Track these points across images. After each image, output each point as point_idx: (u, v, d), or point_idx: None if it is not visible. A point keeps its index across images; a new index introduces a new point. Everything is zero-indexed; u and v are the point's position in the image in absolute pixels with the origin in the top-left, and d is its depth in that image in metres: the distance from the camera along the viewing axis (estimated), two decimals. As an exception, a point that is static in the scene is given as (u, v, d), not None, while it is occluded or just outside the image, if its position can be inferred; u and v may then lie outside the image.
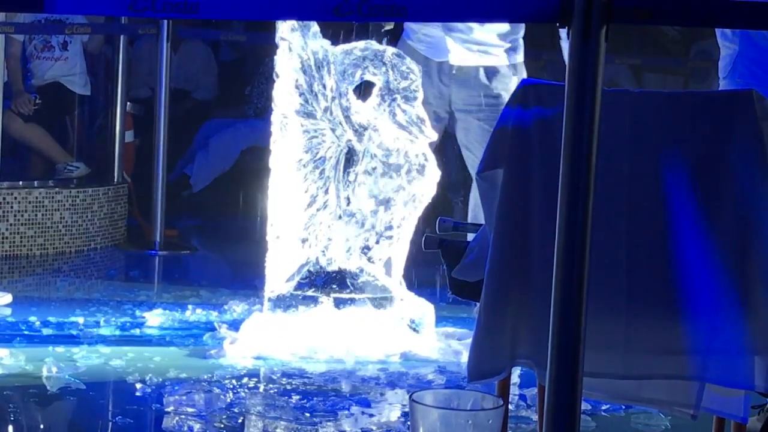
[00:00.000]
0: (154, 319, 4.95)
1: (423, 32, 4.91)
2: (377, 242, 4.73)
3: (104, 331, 4.77)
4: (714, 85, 8.55)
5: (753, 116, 2.42)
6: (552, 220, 2.05)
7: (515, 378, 4.02)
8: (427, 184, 4.68)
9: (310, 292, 4.67)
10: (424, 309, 4.72)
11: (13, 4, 2.99)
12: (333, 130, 4.69)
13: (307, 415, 3.75)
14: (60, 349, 4.43)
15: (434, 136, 4.69)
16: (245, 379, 4.12)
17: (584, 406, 3.64)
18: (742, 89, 2.57)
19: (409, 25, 4.97)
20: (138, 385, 3.99)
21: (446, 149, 7.05)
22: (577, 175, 2.01)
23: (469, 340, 2.62)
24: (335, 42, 4.76)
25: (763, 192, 2.41)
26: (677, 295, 2.44)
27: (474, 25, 4.84)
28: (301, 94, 4.68)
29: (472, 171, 4.82)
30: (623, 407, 3.82)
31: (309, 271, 4.72)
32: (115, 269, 6.54)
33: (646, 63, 9.00)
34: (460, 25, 4.84)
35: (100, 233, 6.75)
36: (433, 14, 2.29)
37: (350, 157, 4.71)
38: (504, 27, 4.88)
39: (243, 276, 5.88)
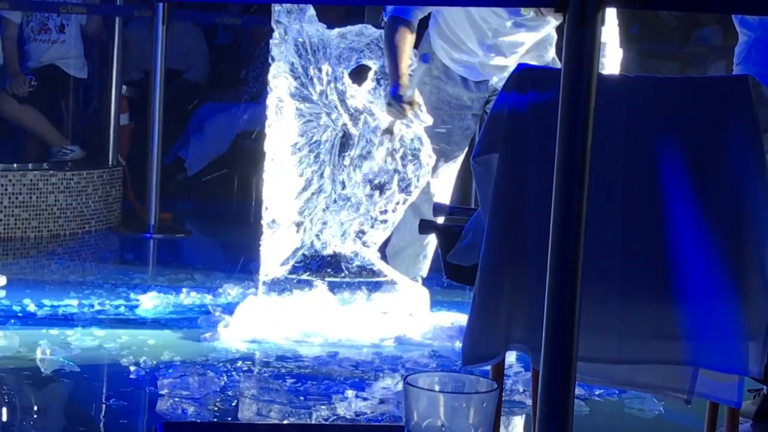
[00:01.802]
0: (149, 302, 4.95)
1: (456, 55, 4.76)
2: (372, 227, 4.73)
3: (99, 313, 4.78)
4: (711, 71, 8.55)
5: (749, 102, 2.42)
6: (547, 204, 2.05)
7: (510, 362, 4.02)
8: (422, 168, 4.68)
9: (304, 276, 4.67)
10: (418, 293, 4.72)
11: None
12: (328, 114, 4.69)
13: (301, 398, 3.75)
14: (54, 331, 4.43)
15: (429, 121, 4.67)
16: (239, 363, 4.13)
17: (578, 390, 3.65)
18: (738, 74, 2.57)
19: (443, 47, 4.79)
20: (132, 368, 3.99)
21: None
22: (572, 160, 2.01)
23: (464, 325, 2.62)
24: (331, 26, 4.75)
25: (758, 178, 2.41)
26: (672, 280, 2.45)
27: (515, 44, 4.70)
28: (296, 78, 4.68)
29: None
30: (617, 392, 3.83)
31: (304, 255, 4.72)
32: (109, 252, 6.54)
33: (643, 49, 8.99)
34: (501, 59, 4.72)
35: (95, 216, 6.75)
36: (430, -2, 2.29)
37: (345, 141, 4.70)
38: (543, 31, 4.69)
39: (237, 259, 5.88)
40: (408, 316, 4.64)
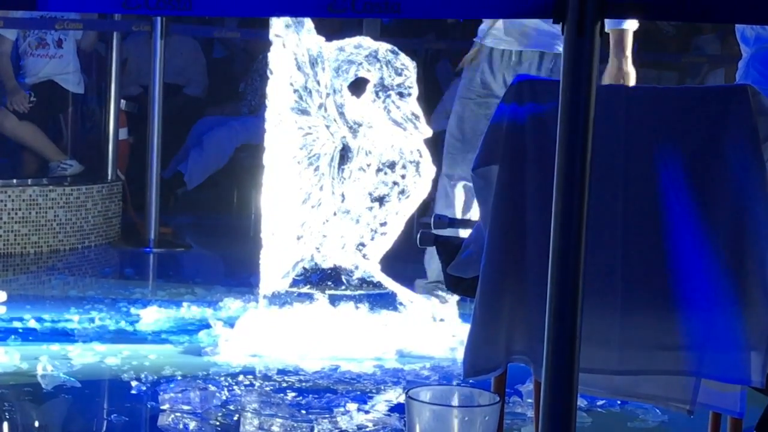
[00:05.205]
0: (149, 316, 4.94)
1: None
2: (372, 239, 4.72)
3: (99, 328, 4.77)
4: (709, 80, 8.56)
5: (748, 111, 2.42)
6: (547, 216, 2.05)
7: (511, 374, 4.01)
8: (422, 180, 4.68)
9: (305, 289, 4.67)
10: (419, 305, 4.72)
11: (6, 2, 2.98)
12: (327, 127, 4.69)
13: (303, 412, 3.75)
14: (55, 347, 4.42)
15: (429, 133, 4.69)
16: (240, 377, 4.12)
17: (580, 402, 3.65)
18: (738, 84, 2.57)
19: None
20: (133, 383, 3.98)
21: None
22: (572, 171, 2.01)
23: (465, 337, 2.61)
24: (329, 38, 4.76)
25: (758, 187, 2.41)
26: (673, 290, 2.44)
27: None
28: (295, 91, 4.68)
29: None
30: (619, 403, 3.82)
31: (304, 268, 4.72)
32: (109, 267, 6.54)
33: (641, 58, 8.99)
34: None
35: (95, 231, 6.74)
36: (428, 10, 2.29)
37: (345, 154, 4.70)
38: None
39: (238, 273, 5.88)
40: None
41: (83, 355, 4.32)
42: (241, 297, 5.23)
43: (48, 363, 4.09)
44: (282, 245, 4.73)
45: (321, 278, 4.70)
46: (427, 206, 6.83)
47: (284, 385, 4.06)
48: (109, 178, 7.07)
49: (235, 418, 3.71)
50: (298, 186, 4.69)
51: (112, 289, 5.65)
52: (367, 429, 3.62)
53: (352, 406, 3.80)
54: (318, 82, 4.67)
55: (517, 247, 2.52)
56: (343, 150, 4.70)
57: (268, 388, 4.01)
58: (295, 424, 3.64)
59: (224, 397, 3.83)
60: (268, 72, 4.73)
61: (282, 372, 4.20)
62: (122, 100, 7.40)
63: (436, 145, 6.30)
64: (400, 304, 4.67)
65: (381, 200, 4.68)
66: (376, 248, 4.76)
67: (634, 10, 2.03)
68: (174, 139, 8.06)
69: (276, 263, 4.73)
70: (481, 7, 2.22)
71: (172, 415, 3.66)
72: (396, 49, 4.73)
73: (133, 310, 5.09)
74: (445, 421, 1.69)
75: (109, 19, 7.18)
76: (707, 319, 2.43)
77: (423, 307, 4.73)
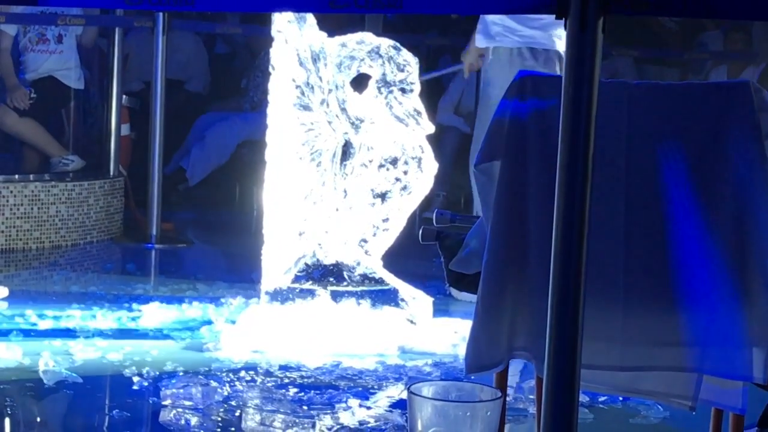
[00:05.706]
0: (151, 312, 4.94)
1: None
2: (374, 235, 4.72)
3: (101, 324, 4.77)
4: (712, 77, 8.55)
5: (750, 107, 2.41)
6: (549, 212, 2.05)
7: (513, 370, 4.01)
8: (424, 175, 4.68)
9: (307, 285, 4.67)
10: (421, 301, 4.72)
11: (8, -2, 2.98)
12: (329, 123, 4.69)
13: (305, 407, 3.75)
14: (57, 342, 4.43)
15: (431, 129, 4.68)
16: (242, 372, 4.12)
17: (582, 398, 3.64)
18: (740, 80, 2.56)
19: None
20: (135, 379, 3.98)
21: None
22: (574, 167, 2.00)
23: (467, 333, 2.61)
24: (331, 34, 4.75)
25: (761, 183, 2.41)
26: (675, 286, 2.44)
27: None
28: (297, 87, 4.67)
29: None
30: (621, 399, 3.82)
31: (306, 264, 4.71)
32: (111, 263, 6.54)
33: (645, 55, 8.99)
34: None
35: (97, 227, 6.74)
36: (430, 6, 2.29)
37: (347, 150, 4.70)
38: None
39: (240, 269, 5.88)
40: (409, 323, 4.63)
41: (85, 351, 4.32)
42: (243, 293, 5.24)
43: (50, 358, 4.10)
44: (284, 241, 4.73)
45: (323, 274, 4.69)
46: (429, 202, 6.83)
47: (286, 380, 4.06)
48: (111, 173, 7.07)
49: (237, 414, 3.71)
50: (300, 182, 4.69)
51: (114, 284, 5.65)
52: (369, 425, 3.62)
53: (353, 402, 3.80)
54: (320, 78, 4.66)
55: (519, 243, 2.52)
56: (345, 146, 4.70)
57: (269, 384, 4.01)
58: (297, 420, 3.64)
59: (226, 393, 3.83)
60: (270, 68, 4.73)
61: (284, 368, 4.20)
62: (124, 96, 7.39)
63: (438, 141, 6.30)
64: (402, 300, 4.67)
65: (383, 196, 4.68)
66: (378, 244, 4.75)
67: (637, 6, 2.02)
68: (176, 135, 8.06)
69: (278, 259, 4.73)
70: (484, 3, 2.22)
71: (174, 411, 3.66)
72: (398, 44, 4.73)
73: (134, 306, 5.09)
74: (447, 417, 1.68)
75: (111, 15, 7.18)
76: (709, 315, 2.43)
77: (425, 303, 4.73)
